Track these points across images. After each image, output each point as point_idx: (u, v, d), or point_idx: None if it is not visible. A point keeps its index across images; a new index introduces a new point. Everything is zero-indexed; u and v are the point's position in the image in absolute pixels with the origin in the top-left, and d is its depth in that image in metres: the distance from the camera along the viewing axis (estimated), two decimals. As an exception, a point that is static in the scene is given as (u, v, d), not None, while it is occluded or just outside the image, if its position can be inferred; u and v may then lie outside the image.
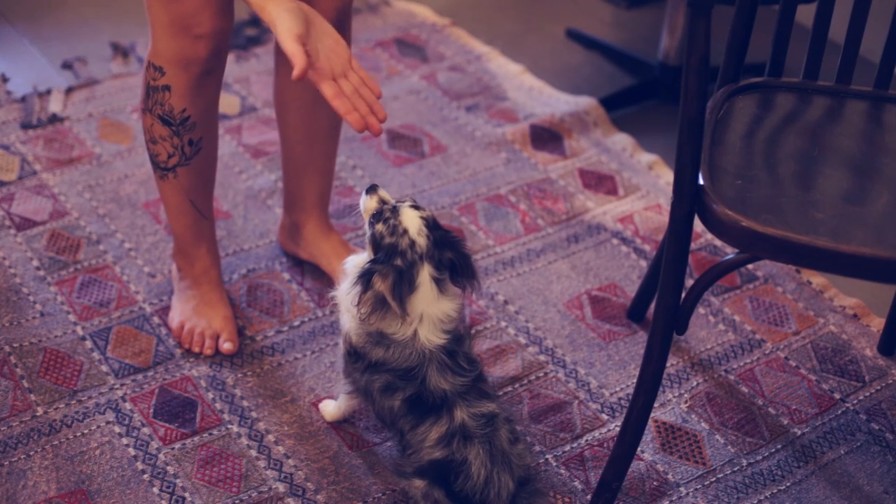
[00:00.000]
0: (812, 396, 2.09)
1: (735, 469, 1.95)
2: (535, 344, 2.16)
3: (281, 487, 1.88)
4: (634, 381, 1.95)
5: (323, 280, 2.26)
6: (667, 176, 2.61)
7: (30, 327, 2.13)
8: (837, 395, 2.09)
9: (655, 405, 2.04)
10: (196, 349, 2.09)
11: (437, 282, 1.71)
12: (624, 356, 2.15)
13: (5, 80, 2.79)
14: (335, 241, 2.25)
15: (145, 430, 1.96)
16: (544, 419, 2.02)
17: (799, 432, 2.02)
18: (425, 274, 1.70)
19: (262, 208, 2.44)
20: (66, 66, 2.87)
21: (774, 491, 1.92)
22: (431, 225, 1.72)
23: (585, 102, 2.81)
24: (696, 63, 1.52)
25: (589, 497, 1.89)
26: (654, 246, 2.39)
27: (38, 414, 1.97)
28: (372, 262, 1.72)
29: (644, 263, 2.36)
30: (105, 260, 2.29)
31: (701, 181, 1.59)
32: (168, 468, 1.90)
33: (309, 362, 2.10)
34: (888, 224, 1.56)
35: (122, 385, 2.03)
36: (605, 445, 1.98)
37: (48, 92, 2.74)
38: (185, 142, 1.95)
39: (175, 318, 2.13)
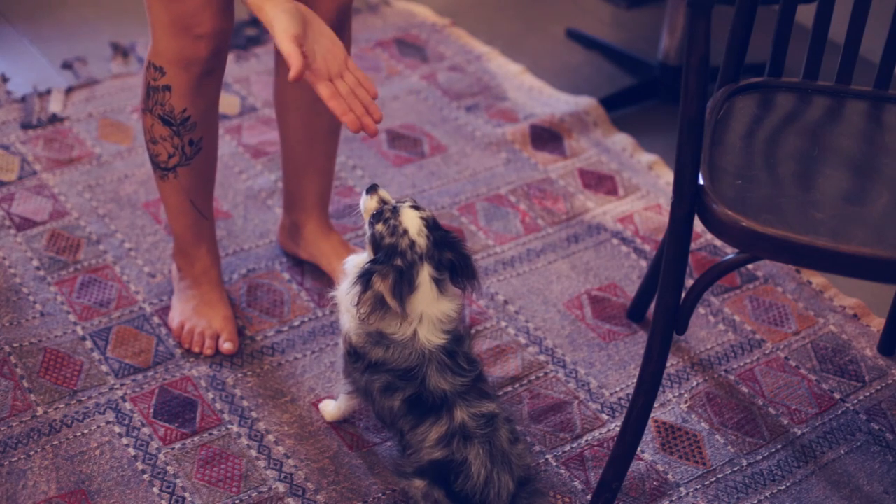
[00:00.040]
0: (812, 396, 2.09)
1: (735, 469, 1.95)
2: (535, 344, 2.16)
3: (281, 487, 1.88)
4: (634, 381, 1.95)
5: (323, 280, 2.26)
6: (667, 176, 2.61)
7: (30, 327, 2.13)
8: (837, 395, 2.09)
9: (655, 405, 2.04)
10: (196, 349, 2.09)
11: (437, 282, 1.71)
12: (624, 356, 2.15)
13: (5, 80, 2.79)
14: (335, 241, 2.25)
15: (145, 430, 1.96)
16: (544, 419, 2.02)
17: (799, 432, 2.02)
18: (425, 274, 1.70)
19: (262, 208, 2.44)
20: (66, 66, 2.87)
21: (774, 491, 1.92)
22: (431, 225, 1.72)
23: (585, 102, 2.81)
24: (696, 63, 1.52)
25: (589, 497, 1.89)
26: (654, 246, 2.39)
27: (38, 414, 1.97)
28: (372, 262, 1.72)
29: (644, 263, 2.36)
30: (105, 260, 2.29)
31: (701, 181, 1.59)
32: (168, 468, 1.90)
33: (309, 362, 2.10)
34: (888, 224, 1.56)
35: (122, 385, 2.03)
36: (605, 445, 1.98)
37: (48, 92, 2.74)
38: (185, 142, 1.95)
39: (175, 318, 2.13)
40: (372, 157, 2.60)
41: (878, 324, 2.23)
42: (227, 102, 2.72)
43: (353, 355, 1.79)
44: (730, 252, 2.32)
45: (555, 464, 1.94)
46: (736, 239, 1.54)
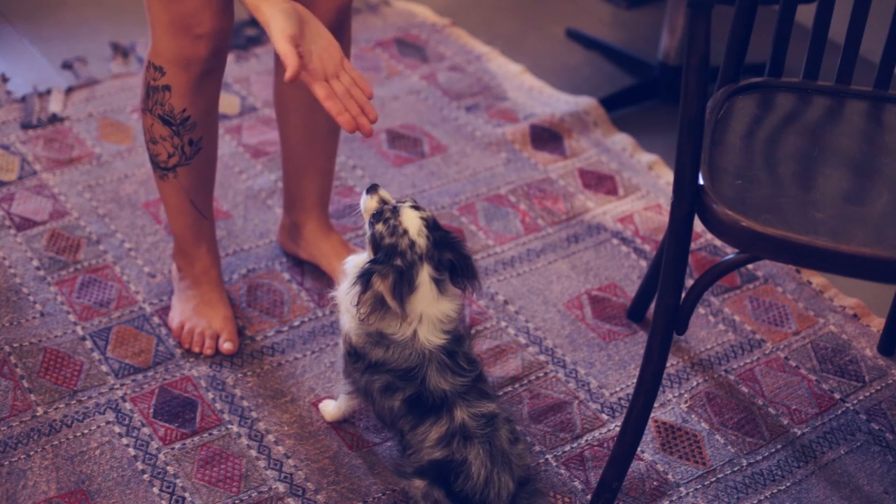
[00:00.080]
0: (812, 396, 2.09)
1: (735, 469, 1.95)
2: (535, 344, 2.16)
3: (281, 487, 1.88)
4: (634, 381, 1.95)
5: (323, 280, 2.26)
6: (667, 176, 2.61)
7: (30, 327, 2.13)
8: (837, 395, 2.09)
9: (655, 405, 2.04)
10: (196, 349, 2.09)
11: (437, 282, 1.71)
12: (624, 356, 2.15)
13: (5, 80, 2.79)
14: (335, 241, 2.25)
15: (145, 430, 1.96)
16: (544, 419, 2.02)
17: (799, 432, 2.02)
18: (425, 274, 1.70)
19: (262, 208, 2.44)
20: (66, 66, 2.87)
21: (774, 491, 1.92)
22: (431, 225, 1.72)
23: (585, 102, 2.81)
24: (696, 63, 1.52)
25: (589, 497, 1.89)
26: (654, 246, 2.39)
27: (38, 414, 1.97)
28: (371, 262, 1.72)
29: (644, 263, 2.36)
30: (105, 260, 2.29)
31: (701, 181, 1.59)
32: (168, 468, 1.90)
33: (309, 362, 2.10)
34: (888, 224, 1.56)
35: (122, 385, 2.03)
36: (605, 445, 1.98)
37: (48, 92, 2.74)
38: (185, 142, 1.95)
39: (175, 318, 2.13)
40: (372, 157, 2.60)
41: (878, 324, 2.23)
42: (227, 102, 2.72)
43: (354, 355, 1.79)
44: (730, 252, 2.32)
45: (555, 464, 1.94)
46: (736, 239, 1.54)
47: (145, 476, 1.88)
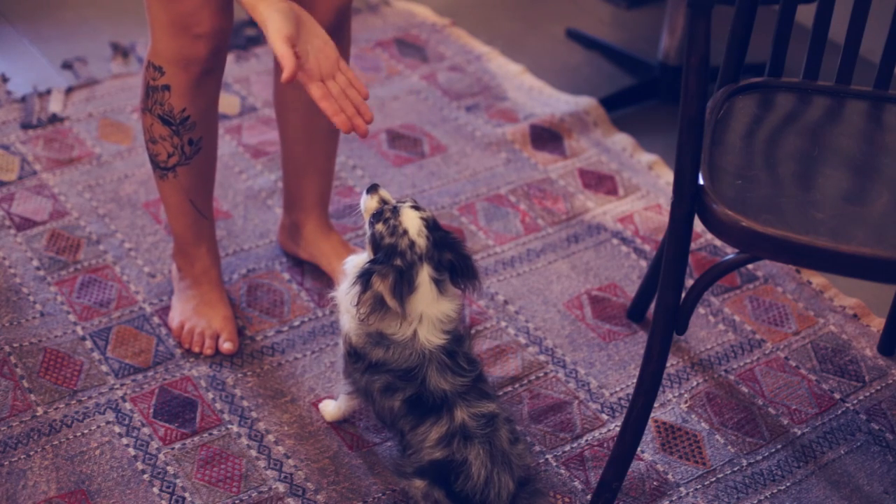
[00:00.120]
0: (812, 396, 2.09)
1: (735, 469, 1.95)
2: (535, 344, 2.16)
3: (281, 487, 1.88)
4: (634, 381, 1.95)
5: (323, 280, 2.26)
6: (667, 176, 2.61)
7: (30, 327, 2.13)
8: (837, 395, 2.09)
9: (655, 405, 2.04)
10: (196, 349, 2.09)
11: (437, 282, 1.71)
12: (624, 356, 2.15)
13: (5, 80, 2.79)
14: (335, 241, 2.25)
15: (145, 430, 1.96)
16: (544, 419, 2.02)
17: (799, 432, 2.02)
18: (424, 275, 1.70)
19: (262, 208, 2.44)
20: (66, 66, 2.87)
21: (774, 491, 1.92)
22: (431, 226, 1.72)
23: (585, 102, 2.81)
24: (696, 63, 1.52)
25: (589, 497, 1.89)
26: (654, 246, 2.39)
27: (38, 414, 1.97)
28: (371, 262, 1.72)
29: (644, 263, 2.36)
30: (105, 260, 2.29)
31: (701, 181, 1.59)
32: (168, 468, 1.90)
33: (309, 362, 2.10)
34: (888, 224, 1.56)
35: (122, 385, 2.03)
36: (605, 445, 1.98)
37: (48, 92, 2.74)
38: (184, 141, 1.95)
39: (175, 317, 2.13)
40: (372, 157, 2.60)
41: (878, 324, 2.23)
42: (227, 102, 2.72)
43: (354, 356, 1.79)
44: (730, 252, 2.32)
45: (555, 464, 1.94)
46: (736, 239, 1.54)
47: (145, 476, 1.88)
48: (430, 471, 1.73)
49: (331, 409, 1.98)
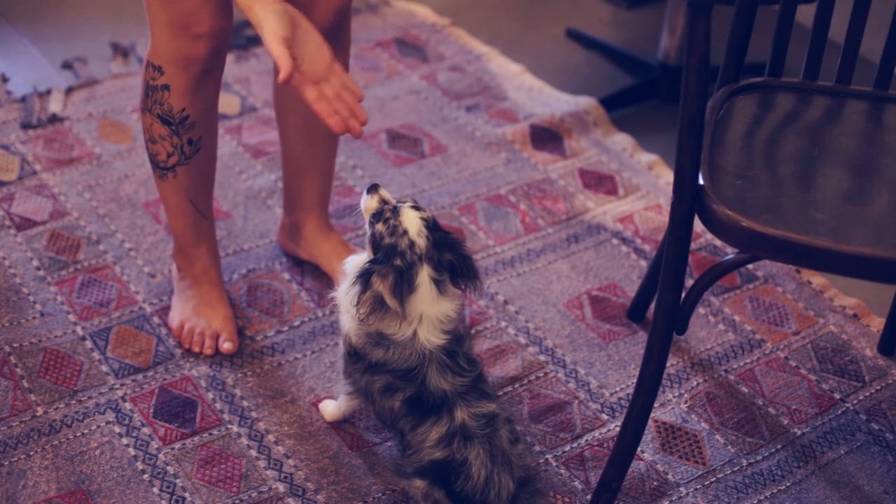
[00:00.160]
0: (812, 396, 2.09)
1: (735, 469, 1.95)
2: (535, 344, 2.16)
3: (281, 487, 1.88)
4: (634, 381, 1.95)
5: (323, 280, 2.26)
6: (667, 176, 2.61)
7: (30, 327, 2.13)
8: (837, 395, 2.09)
9: (655, 405, 2.04)
10: (196, 349, 2.09)
11: (437, 283, 1.71)
12: (624, 356, 2.15)
13: (5, 80, 2.79)
14: (335, 241, 2.25)
15: (145, 430, 1.96)
16: (544, 419, 2.02)
17: (799, 432, 2.02)
18: (424, 275, 1.70)
19: (262, 208, 2.44)
20: (66, 66, 2.87)
21: (774, 491, 1.92)
22: (431, 226, 1.72)
23: (585, 102, 2.81)
24: (696, 63, 1.52)
25: (589, 497, 1.89)
26: (654, 246, 2.39)
27: (38, 414, 1.97)
28: (371, 262, 1.72)
29: (644, 263, 2.36)
30: (105, 260, 2.29)
31: (701, 181, 1.59)
32: (168, 468, 1.90)
33: (309, 362, 2.10)
34: (888, 224, 1.56)
35: (122, 385, 2.03)
36: (605, 445, 1.98)
37: (48, 92, 2.74)
38: (184, 141, 1.95)
39: (175, 317, 2.13)
40: (372, 157, 2.60)
41: (878, 324, 2.23)
42: (227, 102, 2.72)
43: (354, 356, 1.79)
44: (730, 252, 2.32)
45: (555, 464, 1.94)
46: (736, 239, 1.54)
47: (145, 476, 1.88)
48: (431, 471, 1.73)
49: (331, 409, 1.98)
